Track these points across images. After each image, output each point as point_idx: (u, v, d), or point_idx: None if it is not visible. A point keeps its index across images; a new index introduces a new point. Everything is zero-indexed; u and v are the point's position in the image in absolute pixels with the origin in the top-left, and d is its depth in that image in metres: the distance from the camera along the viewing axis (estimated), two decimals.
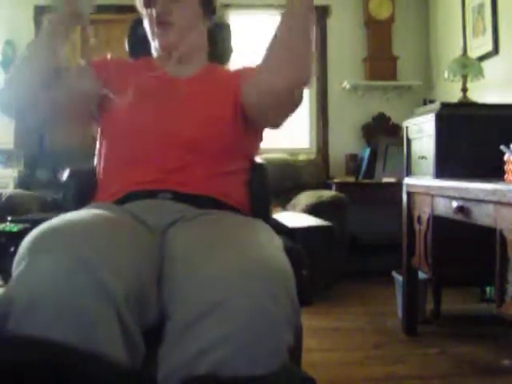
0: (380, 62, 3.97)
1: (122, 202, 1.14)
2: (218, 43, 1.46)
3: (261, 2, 3.89)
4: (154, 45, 1.32)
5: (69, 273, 0.77)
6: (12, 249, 1.03)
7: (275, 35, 1.13)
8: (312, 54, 1.13)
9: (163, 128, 1.21)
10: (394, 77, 3.96)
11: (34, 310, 0.75)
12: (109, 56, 1.35)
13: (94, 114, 1.31)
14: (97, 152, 1.30)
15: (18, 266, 0.81)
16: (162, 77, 1.29)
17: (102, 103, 1.28)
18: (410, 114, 2.71)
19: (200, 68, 1.34)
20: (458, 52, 2.94)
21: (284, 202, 3.42)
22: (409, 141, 2.57)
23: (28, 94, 1.16)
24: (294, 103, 1.16)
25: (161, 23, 1.25)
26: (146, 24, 1.31)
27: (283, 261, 0.88)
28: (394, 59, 3.97)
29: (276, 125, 1.27)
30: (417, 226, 2.26)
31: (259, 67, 1.17)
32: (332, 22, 4.04)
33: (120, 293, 0.78)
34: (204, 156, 1.20)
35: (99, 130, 1.32)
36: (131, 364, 0.78)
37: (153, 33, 1.29)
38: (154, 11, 1.25)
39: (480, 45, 3.17)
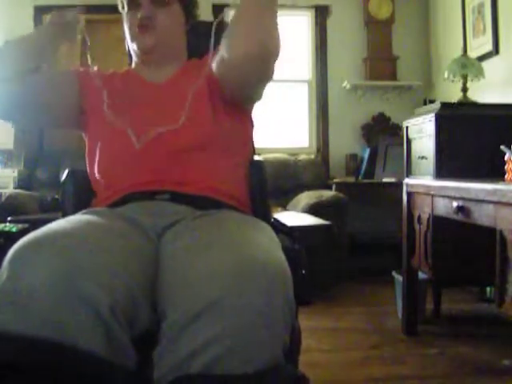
0: (380, 61, 3.97)
1: (118, 204, 1.12)
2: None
3: None
4: (132, 46, 1.31)
5: (50, 286, 0.77)
6: None
7: (241, 5, 1.11)
8: (276, 24, 1.10)
9: (150, 133, 1.18)
10: (394, 77, 3.97)
11: (16, 321, 0.75)
12: (95, 68, 1.34)
13: (74, 116, 1.29)
14: (87, 157, 1.27)
15: (0, 277, 0.81)
16: (141, 83, 1.29)
17: (85, 111, 1.27)
18: (410, 113, 2.71)
19: (176, 70, 1.32)
20: (458, 52, 2.94)
21: (284, 202, 3.42)
22: (409, 141, 2.57)
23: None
24: (261, 74, 1.12)
25: (142, 26, 1.25)
26: (126, 25, 1.30)
27: (280, 260, 0.87)
28: (394, 59, 3.97)
29: (251, 97, 1.25)
30: (417, 226, 2.26)
31: (225, 34, 1.13)
32: (332, 22, 4.04)
33: (104, 303, 0.78)
34: (198, 154, 1.18)
35: (86, 135, 1.30)
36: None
37: (132, 35, 1.28)
38: (138, 14, 1.25)
39: (480, 45, 3.17)
